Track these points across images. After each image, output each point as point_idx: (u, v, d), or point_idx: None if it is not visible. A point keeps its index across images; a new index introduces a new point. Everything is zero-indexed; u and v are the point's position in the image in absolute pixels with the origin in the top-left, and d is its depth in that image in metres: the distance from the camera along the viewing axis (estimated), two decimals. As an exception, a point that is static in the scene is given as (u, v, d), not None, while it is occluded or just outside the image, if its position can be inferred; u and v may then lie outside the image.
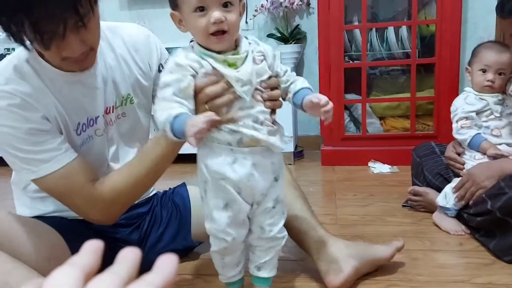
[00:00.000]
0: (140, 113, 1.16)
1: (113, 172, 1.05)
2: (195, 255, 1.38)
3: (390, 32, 2.42)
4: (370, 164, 2.38)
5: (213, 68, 0.86)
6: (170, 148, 0.99)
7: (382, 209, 1.74)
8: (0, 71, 0.96)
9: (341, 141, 2.47)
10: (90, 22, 0.87)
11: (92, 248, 0.28)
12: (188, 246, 1.32)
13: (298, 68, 2.80)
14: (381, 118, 2.54)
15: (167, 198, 1.33)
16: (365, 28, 2.36)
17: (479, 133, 1.49)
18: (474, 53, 1.56)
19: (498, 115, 1.48)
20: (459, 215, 1.48)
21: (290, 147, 2.54)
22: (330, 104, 0.88)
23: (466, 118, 1.51)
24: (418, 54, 2.40)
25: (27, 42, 0.86)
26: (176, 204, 1.32)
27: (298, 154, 2.71)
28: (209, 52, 0.86)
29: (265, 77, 0.89)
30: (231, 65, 0.87)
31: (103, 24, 0.98)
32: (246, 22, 2.79)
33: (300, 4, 2.57)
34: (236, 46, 0.89)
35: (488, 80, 1.48)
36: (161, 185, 1.35)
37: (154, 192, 1.33)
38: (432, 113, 2.36)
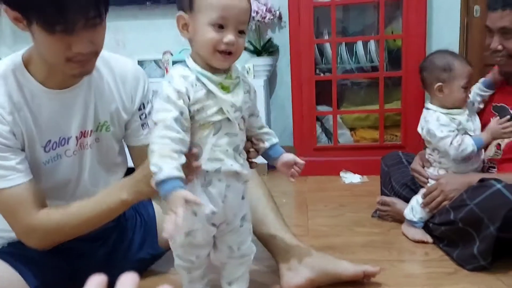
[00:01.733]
0: (114, 142, 1.18)
1: (63, 207, 1.05)
2: (164, 263, 1.38)
3: (359, 46, 2.49)
4: (342, 174, 2.43)
5: (208, 90, 0.88)
6: (129, 201, 1.02)
7: (352, 220, 1.78)
8: None
9: (313, 151, 2.51)
10: (101, 25, 0.94)
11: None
12: (156, 254, 1.33)
13: (271, 80, 2.84)
14: (351, 129, 2.60)
15: (131, 209, 1.32)
16: (334, 42, 2.42)
17: (477, 138, 1.45)
18: (447, 68, 1.46)
19: (472, 133, 1.47)
20: (426, 225, 1.53)
21: (263, 159, 2.56)
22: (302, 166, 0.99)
23: (456, 135, 1.45)
24: (386, 67, 2.48)
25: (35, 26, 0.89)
26: (139, 213, 1.33)
27: (272, 165, 2.73)
28: (206, 73, 0.88)
29: (247, 106, 0.94)
30: (225, 88, 0.89)
31: (102, 51, 1.02)
32: (219, 35, 2.82)
33: (271, 18, 2.61)
34: (228, 70, 0.91)
35: (467, 96, 1.47)
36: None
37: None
38: (400, 124, 2.44)
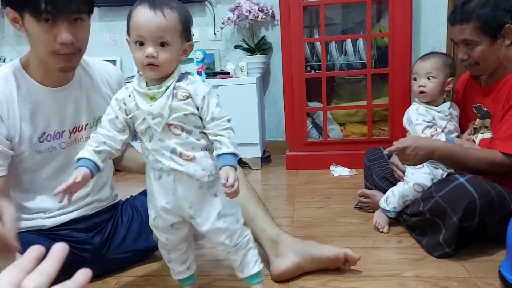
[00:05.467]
0: None
1: None
2: (156, 257, 1.50)
3: (348, 44, 2.58)
4: (332, 167, 2.54)
5: (135, 101, 1.00)
6: None
7: (335, 211, 1.89)
8: None
9: (305, 146, 2.62)
10: (83, 23, 1.13)
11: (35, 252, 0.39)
12: (150, 247, 1.45)
13: (265, 76, 2.94)
14: (341, 124, 2.71)
15: (128, 204, 1.47)
16: (324, 41, 2.51)
17: (450, 136, 1.57)
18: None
19: (439, 129, 1.58)
20: (400, 215, 1.63)
21: (257, 153, 2.68)
22: (234, 188, 0.95)
23: (429, 127, 1.59)
24: (375, 63, 2.57)
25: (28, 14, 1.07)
26: (136, 209, 1.45)
27: (266, 159, 2.85)
28: (136, 86, 1.00)
29: (181, 113, 0.99)
30: (152, 98, 0.99)
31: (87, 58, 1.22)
32: (215, 34, 2.93)
33: (264, 17, 2.71)
34: (163, 80, 0.99)
35: (419, 86, 1.61)
36: (125, 194, 1.48)
37: (117, 200, 1.46)
38: (387, 119, 2.53)
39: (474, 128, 1.60)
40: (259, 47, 2.81)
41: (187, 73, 1.03)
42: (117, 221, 1.42)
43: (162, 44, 0.95)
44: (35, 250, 0.40)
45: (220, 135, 1.00)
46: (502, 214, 1.34)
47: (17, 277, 0.36)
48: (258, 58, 2.76)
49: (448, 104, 1.63)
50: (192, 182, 1.03)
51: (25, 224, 1.24)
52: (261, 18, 2.70)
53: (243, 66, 2.69)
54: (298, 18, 2.45)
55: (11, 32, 3.05)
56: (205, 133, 1.03)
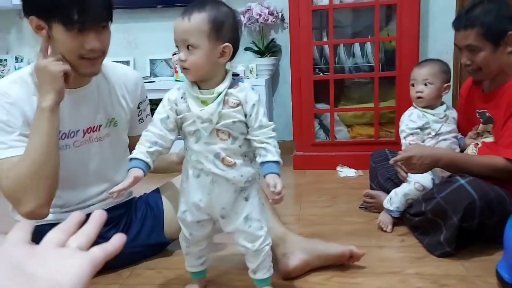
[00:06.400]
0: (123, 134, 1.43)
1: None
2: (168, 252, 1.57)
3: (356, 47, 2.63)
4: (338, 168, 2.59)
5: (187, 104, 1.04)
6: (43, 106, 1.13)
7: (341, 210, 1.95)
8: (10, 77, 1.24)
9: (312, 147, 2.67)
10: (107, 29, 1.21)
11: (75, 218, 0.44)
12: (162, 242, 1.52)
13: (274, 78, 3.00)
14: (348, 126, 2.75)
15: (142, 201, 1.54)
16: (332, 44, 2.56)
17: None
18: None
19: (433, 133, 1.65)
20: (403, 215, 1.68)
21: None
22: (281, 195, 1.00)
23: (412, 134, 1.67)
24: (383, 66, 2.62)
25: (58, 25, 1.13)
26: (150, 206, 1.52)
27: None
28: (188, 89, 1.04)
29: (230, 120, 1.03)
30: (203, 102, 1.03)
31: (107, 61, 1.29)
32: (225, 35, 2.98)
33: (274, 20, 2.76)
34: (218, 84, 1.04)
35: (417, 92, 1.67)
36: (138, 191, 1.55)
37: (131, 197, 1.53)
38: (394, 121, 2.58)
39: (478, 133, 1.65)
40: (269, 49, 2.86)
41: (238, 80, 1.08)
42: (131, 217, 1.49)
43: (188, 47, 1.00)
44: (77, 215, 0.45)
45: (266, 143, 1.04)
46: (501, 216, 1.38)
47: (61, 238, 0.41)
48: (267, 60, 2.82)
49: (444, 107, 1.69)
50: (228, 186, 1.08)
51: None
52: (271, 21, 2.76)
53: (252, 68, 2.75)
54: (307, 22, 2.51)
55: (29, 32, 3.13)
56: (246, 140, 1.06)
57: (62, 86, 1.15)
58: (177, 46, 1.03)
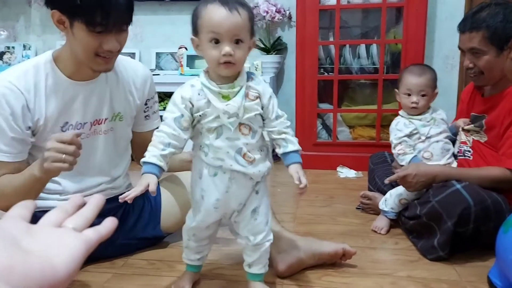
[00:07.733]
0: (127, 129, 1.44)
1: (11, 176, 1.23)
2: (164, 244, 1.58)
3: (362, 48, 2.62)
4: (339, 169, 2.59)
5: (208, 99, 1.02)
6: (38, 176, 1.16)
7: (337, 210, 1.95)
8: (21, 67, 1.24)
9: (313, 147, 2.67)
10: (127, 29, 1.22)
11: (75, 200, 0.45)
12: (157, 236, 1.53)
13: (279, 76, 3.00)
14: (350, 127, 2.75)
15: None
16: (337, 45, 2.56)
17: (415, 156, 1.64)
18: (400, 78, 1.73)
19: (423, 137, 1.65)
20: (399, 218, 1.68)
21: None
22: (306, 188, 1.04)
23: (400, 143, 1.67)
24: (388, 68, 2.61)
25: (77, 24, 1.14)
26: (148, 199, 1.53)
27: (275, 157, 2.90)
28: (208, 84, 1.02)
29: (252, 114, 1.03)
30: (225, 97, 1.02)
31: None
32: (232, 32, 2.99)
33: (281, 18, 2.77)
34: (234, 79, 1.03)
35: (412, 102, 1.66)
36: (136, 183, 1.55)
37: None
38: (397, 124, 2.57)
39: (467, 130, 1.65)
40: (275, 47, 2.86)
41: (250, 72, 1.08)
42: (128, 209, 1.50)
43: (237, 42, 0.98)
44: (77, 197, 0.46)
45: (285, 133, 1.06)
46: (498, 223, 1.36)
47: (59, 218, 0.42)
48: (273, 58, 2.82)
49: (430, 110, 1.69)
50: (246, 181, 1.08)
51: (41, 203, 1.32)
52: (278, 19, 2.76)
53: (258, 65, 2.75)
54: (314, 21, 2.51)
55: (37, 21, 3.17)
56: (261, 133, 1.07)
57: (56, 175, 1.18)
58: (216, 40, 0.98)
